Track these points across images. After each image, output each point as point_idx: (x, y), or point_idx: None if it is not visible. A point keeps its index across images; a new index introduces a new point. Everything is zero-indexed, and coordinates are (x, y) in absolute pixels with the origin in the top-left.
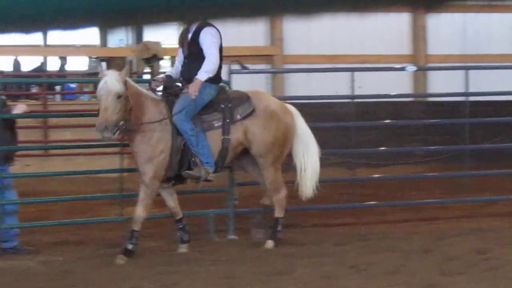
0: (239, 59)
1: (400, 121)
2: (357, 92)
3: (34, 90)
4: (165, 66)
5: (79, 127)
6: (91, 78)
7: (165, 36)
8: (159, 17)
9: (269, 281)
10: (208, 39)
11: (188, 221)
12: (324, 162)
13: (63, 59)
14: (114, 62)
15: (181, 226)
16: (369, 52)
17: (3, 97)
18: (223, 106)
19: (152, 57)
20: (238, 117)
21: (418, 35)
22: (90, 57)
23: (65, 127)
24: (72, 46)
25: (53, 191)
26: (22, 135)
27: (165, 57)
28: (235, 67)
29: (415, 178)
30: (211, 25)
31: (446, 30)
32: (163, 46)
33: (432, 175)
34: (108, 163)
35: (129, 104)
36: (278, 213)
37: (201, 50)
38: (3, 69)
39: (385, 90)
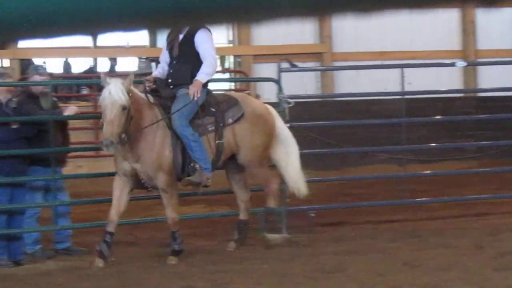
0: (288, 57)
1: (450, 116)
2: (407, 88)
3: (85, 91)
4: None
5: None
6: (141, 78)
7: (215, 35)
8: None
9: (321, 278)
10: (205, 42)
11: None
12: (375, 159)
13: (113, 60)
14: None
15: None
16: (419, 48)
17: (54, 99)
18: (213, 109)
19: None
20: (230, 121)
21: (468, 30)
22: (140, 58)
23: None
24: (122, 47)
25: (105, 192)
26: (73, 137)
27: None
28: (284, 65)
29: (467, 173)
30: (204, 26)
31: (496, 25)
32: None
33: (484, 170)
34: None
35: (130, 114)
36: (271, 203)
37: (193, 52)
38: (53, 71)
39: (435, 86)
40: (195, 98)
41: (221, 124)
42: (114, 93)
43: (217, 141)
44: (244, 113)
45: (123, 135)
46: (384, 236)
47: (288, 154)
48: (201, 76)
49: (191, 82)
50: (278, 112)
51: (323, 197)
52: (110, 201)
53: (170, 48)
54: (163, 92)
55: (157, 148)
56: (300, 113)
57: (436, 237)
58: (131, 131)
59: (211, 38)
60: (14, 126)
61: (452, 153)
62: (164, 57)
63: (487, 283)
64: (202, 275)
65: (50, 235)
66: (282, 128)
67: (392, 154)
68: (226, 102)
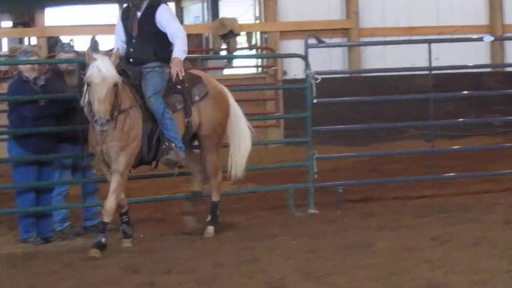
0: (315, 33)
1: (478, 92)
2: (434, 63)
3: None
4: (241, 42)
5: None
6: None
7: (241, 12)
8: None
9: (350, 254)
10: (170, 19)
11: (269, 196)
12: (403, 135)
13: None
14: (190, 39)
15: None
16: (446, 23)
17: (82, 76)
18: (180, 87)
19: (229, 34)
20: (197, 98)
21: (495, 5)
22: None
23: None
24: None
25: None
26: None
27: (241, 33)
28: (311, 41)
29: (495, 149)
30: (164, 2)
31: None
32: (239, 22)
33: (511, 145)
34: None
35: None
36: (216, 197)
37: (155, 29)
38: (80, 49)
39: (463, 61)
40: (180, 77)
41: (189, 102)
42: (104, 70)
43: (186, 119)
44: (208, 91)
45: (115, 113)
46: (412, 212)
47: (241, 136)
48: (179, 54)
49: (155, 60)
50: (305, 88)
51: (351, 173)
52: (138, 178)
53: (129, 26)
54: (132, 72)
55: (126, 128)
56: (327, 89)
57: (464, 213)
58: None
59: (172, 12)
60: (42, 104)
61: (479, 129)
62: (120, 36)
63: None
64: (231, 251)
65: (78, 212)
66: (237, 109)
67: (420, 130)
68: (191, 80)
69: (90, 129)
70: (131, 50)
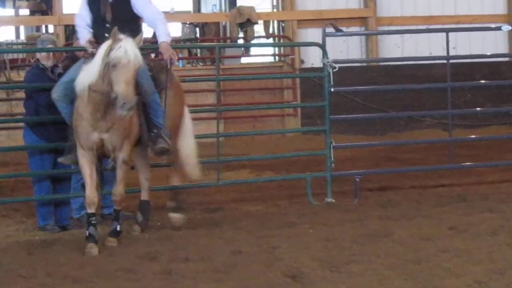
0: (333, 22)
1: (496, 81)
2: (452, 53)
3: None
4: (259, 30)
5: None
6: (185, 44)
7: (259, 0)
8: None
9: (368, 243)
10: (146, 2)
11: (287, 184)
12: (421, 124)
13: None
14: (207, 27)
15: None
16: (464, 13)
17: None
18: (151, 74)
19: (246, 22)
20: (165, 85)
21: None
22: (183, 23)
23: None
24: (166, 13)
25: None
26: None
27: (259, 21)
28: (329, 30)
29: None
30: None
31: None
32: (256, 10)
33: None
34: (205, 128)
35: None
36: (176, 181)
37: (129, 13)
38: None
39: (481, 50)
40: (175, 62)
41: (162, 88)
42: (131, 51)
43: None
44: (174, 79)
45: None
46: (430, 201)
47: (185, 134)
48: (165, 37)
49: None
50: (323, 77)
51: (369, 162)
52: (155, 166)
53: (101, 10)
54: None
55: (129, 116)
56: (344, 78)
57: (483, 202)
58: None
59: None
60: None
61: (497, 118)
62: (85, 20)
63: None
64: (249, 239)
65: None
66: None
67: (438, 119)
68: (158, 67)
69: (79, 117)
70: (106, 35)
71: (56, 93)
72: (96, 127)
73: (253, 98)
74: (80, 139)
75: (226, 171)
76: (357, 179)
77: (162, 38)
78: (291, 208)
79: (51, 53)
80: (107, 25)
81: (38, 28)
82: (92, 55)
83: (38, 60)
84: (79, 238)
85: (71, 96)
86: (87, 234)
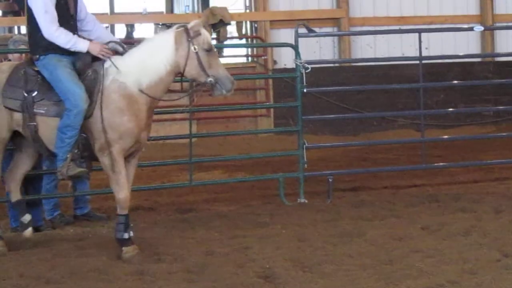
0: (305, 22)
1: (468, 81)
2: (424, 53)
3: None
4: (231, 31)
5: None
6: None
7: (232, 1)
8: None
9: (340, 243)
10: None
11: (259, 185)
12: (393, 124)
13: (131, 27)
14: None
15: None
16: (436, 13)
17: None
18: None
19: (219, 23)
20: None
21: None
22: (156, 24)
23: None
24: (139, 14)
25: None
26: None
27: (231, 22)
28: (302, 30)
29: (485, 138)
30: None
31: None
32: (229, 11)
33: (502, 135)
34: (178, 129)
35: None
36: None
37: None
38: None
39: (453, 50)
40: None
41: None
42: (208, 35)
43: None
44: None
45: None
46: (403, 201)
47: None
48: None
49: None
50: (295, 77)
51: (342, 162)
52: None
53: (66, 7)
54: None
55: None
56: (317, 79)
57: (455, 202)
58: None
59: None
60: None
61: (470, 118)
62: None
63: (506, 248)
64: (222, 240)
65: (69, 201)
66: None
67: (410, 119)
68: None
69: (133, 118)
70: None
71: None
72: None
73: (225, 99)
74: (126, 140)
75: (198, 172)
76: (329, 180)
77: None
78: (263, 208)
79: (23, 54)
80: (71, 23)
81: (10, 29)
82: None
83: (10, 60)
84: (52, 239)
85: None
86: (126, 237)
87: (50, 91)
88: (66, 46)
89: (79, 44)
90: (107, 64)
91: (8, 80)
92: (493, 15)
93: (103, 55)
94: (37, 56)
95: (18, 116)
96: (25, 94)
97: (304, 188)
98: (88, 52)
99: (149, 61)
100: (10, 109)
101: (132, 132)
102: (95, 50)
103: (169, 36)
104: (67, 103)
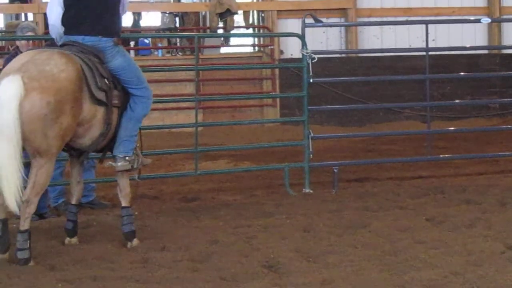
0: (313, 12)
1: (474, 73)
2: (431, 45)
3: None
4: (238, 20)
5: (154, 82)
6: (164, 33)
7: None
8: None
9: (345, 234)
10: None
11: (265, 174)
12: (399, 115)
13: (137, 15)
14: (187, 17)
15: None
16: (443, 5)
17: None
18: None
19: (226, 12)
20: None
21: None
22: (163, 13)
23: None
24: (146, 2)
25: None
26: None
27: (238, 11)
28: (309, 20)
29: (491, 130)
30: None
31: None
32: (236, 0)
33: (508, 127)
34: (183, 118)
35: None
36: None
37: None
38: None
39: (460, 42)
40: None
41: None
42: None
43: None
44: None
45: None
46: (408, 193)
47: None
48: None
49: None
50: (302, 67)
51: (346, 153)
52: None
53: None
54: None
55: None
56: (323, 69)
57: (460, 194)
58: None
59: None
60: None
61: (476, 110)
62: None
63: (511, 240)
64: (226, 229)
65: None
66: None
67: (416, 111)
68: None
69: None
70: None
71: None
72: None
73: (232, 88)
74: None
75: (204, 161)
76: (335, 170)
77: None
78: (268, 198)
79: (30, 41)
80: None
81: (17, 16)
82: None
83: (17, 47)
84: (56, 226)
85: None
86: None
87: (115, 79)
88: None
89: None
90: None
91: (83, 67)
92: (501, 8)
93: None
94: (111, 39)
95: (94, 109)
96: (107, 83)
97: (309, 179)
98: None
99: None
100: (99, 101)
101: None
102: None
103: None
104: (144, 92)
